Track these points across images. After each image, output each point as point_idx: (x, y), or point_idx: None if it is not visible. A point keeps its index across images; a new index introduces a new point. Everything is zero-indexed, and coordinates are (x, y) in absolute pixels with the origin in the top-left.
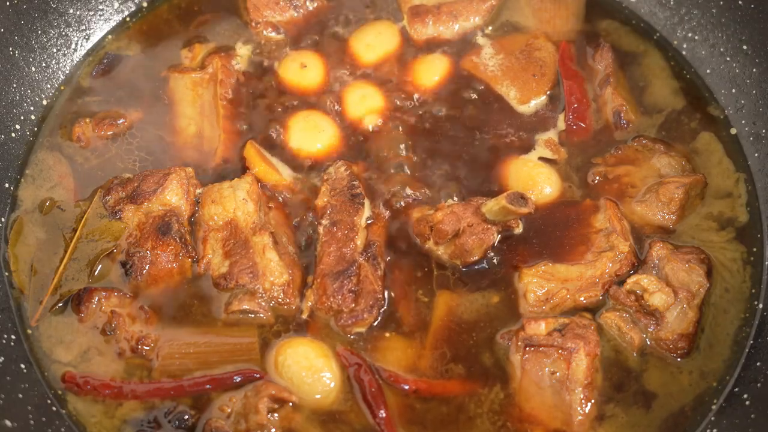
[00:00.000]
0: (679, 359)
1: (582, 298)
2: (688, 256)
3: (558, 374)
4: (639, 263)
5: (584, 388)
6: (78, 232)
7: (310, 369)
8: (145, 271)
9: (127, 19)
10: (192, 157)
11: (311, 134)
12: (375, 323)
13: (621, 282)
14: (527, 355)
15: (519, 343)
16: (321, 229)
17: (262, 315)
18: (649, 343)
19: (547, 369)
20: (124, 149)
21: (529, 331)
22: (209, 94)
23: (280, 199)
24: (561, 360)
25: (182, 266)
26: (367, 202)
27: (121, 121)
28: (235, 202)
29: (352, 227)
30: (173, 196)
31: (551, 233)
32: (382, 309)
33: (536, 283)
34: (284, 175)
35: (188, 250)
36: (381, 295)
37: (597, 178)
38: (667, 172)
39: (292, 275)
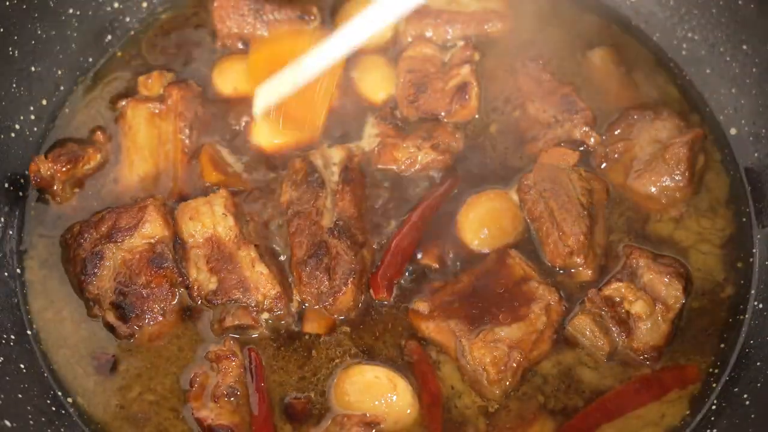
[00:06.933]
0: (647, 362)
1: (537, 353)
2: (668, 268)
3: None
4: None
5: None
6: None
7: (386, 391)
8: (144, 309)
9: (114, 41)
10: (148, 192)
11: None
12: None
13: (599, 287)
14: None
15: None
16: (288, 224)
17: (256, 329)
18: (618, 349)
19: None
20: (85, 186)
21: None
22: (167, 126)
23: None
24: None
25: (180, 298)
26: (328, 182)
27: (78, 155)
28: (214, 218)
29: (316, 211)
30: (156, 226)
31: (480, 300)
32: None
33: (488, 353)
34: (245, 179)
35: (183, 276)
36: (355, 265)
37: (603, 163)
38: (665, 136)
39: (283, 285)
